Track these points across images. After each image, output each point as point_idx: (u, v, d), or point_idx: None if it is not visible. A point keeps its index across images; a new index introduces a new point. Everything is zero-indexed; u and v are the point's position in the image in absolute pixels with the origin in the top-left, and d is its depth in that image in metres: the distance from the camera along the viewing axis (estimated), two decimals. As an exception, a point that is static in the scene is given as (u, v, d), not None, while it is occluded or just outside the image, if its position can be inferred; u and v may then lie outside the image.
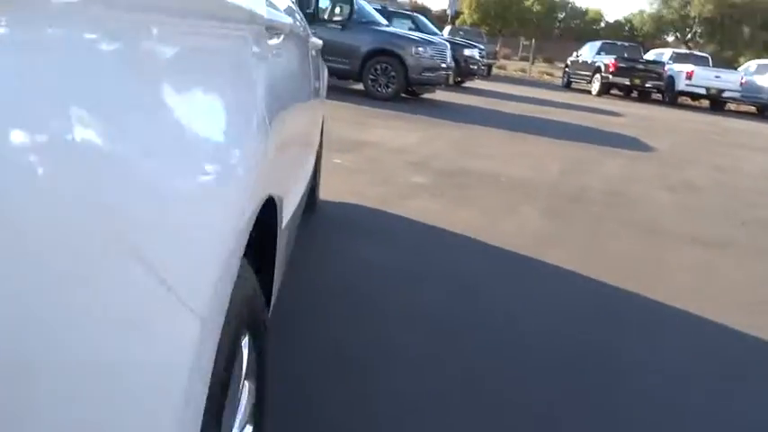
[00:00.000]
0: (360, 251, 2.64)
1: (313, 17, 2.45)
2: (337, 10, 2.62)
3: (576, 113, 10.41)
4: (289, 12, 1.41)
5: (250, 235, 1.03)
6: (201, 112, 0.64)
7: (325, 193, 3.35)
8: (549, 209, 3.79)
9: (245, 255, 0.86)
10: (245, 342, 0.83)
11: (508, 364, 1.87)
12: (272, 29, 1.00)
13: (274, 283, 1.11)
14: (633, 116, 11.24)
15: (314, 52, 2.08)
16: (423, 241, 2.90)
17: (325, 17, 2.57)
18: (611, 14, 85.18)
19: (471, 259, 2.73)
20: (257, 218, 1.00)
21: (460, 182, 4.20)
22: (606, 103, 13.64)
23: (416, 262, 2.61)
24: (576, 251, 3.05)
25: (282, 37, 1.16)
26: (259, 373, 0.94)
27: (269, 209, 0.96)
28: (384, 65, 8.34)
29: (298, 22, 1.70)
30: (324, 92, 2.83)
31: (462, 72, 12.42)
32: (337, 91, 8.61)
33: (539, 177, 4.68)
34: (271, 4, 1.01)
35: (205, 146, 0.63)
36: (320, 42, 2.21)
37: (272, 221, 1.00)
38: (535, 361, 1.89)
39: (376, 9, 10.56)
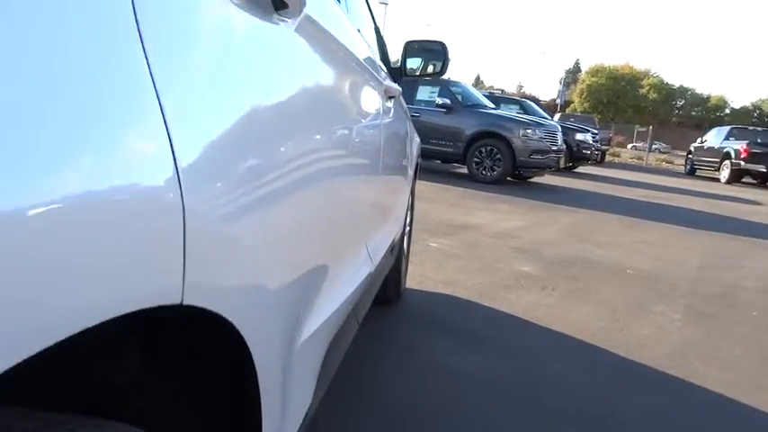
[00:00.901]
0: (448, 357, 2.09)
1: (400, 72, 2.08)
2: (430, 68, 2.23)
3: (705, 201, 9.33)
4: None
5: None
6: None
7: (414, 281, 2.86)
8: (693, 310, 3.04)
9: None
10: None
11: None
12: None
13: None
14: (776, 205, 9.91)
15: (390, 102, 1.65)
16: (529, 347, 2.30)
17: (417, 74, 2.19)
18: (737, 100, 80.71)
19: (592, 375, 2.08)
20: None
21: (576, 273, 3.55)
22: (739, 191, 12.28)
23: (520, 377, 2.00)
24: (738, 370, 2.29)
25: (300, 20, 0.72)
26: None
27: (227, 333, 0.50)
28: (489, 147, 7.95)
29: (363, 37, 1.27)
30: (413, 160, 2.40)
31: (574, 157, 11.78)
32: (439, 174, 8.30)
33: (674, 271, 3.90)
34: None
35: None
36: (399, 89, 1.80)
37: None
38: None
39: (483, 94, 10.37)
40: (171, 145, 0.41)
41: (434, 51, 2.21)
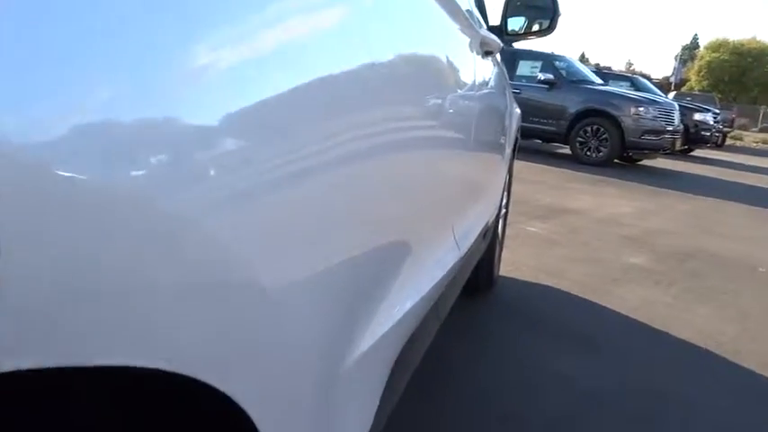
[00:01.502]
0: (549, 358, 1.83)
1: (500, 32, 1.81)
2: (535, 27, 1.94)
3: None
4: None
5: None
6: None
7: (510, 269, 2.60)
8: None
9: None
10: None
11: None
12: None
13: None
14: None
15: (488, 59, 1.38)
16: (641, 352, 1.98)
17: (521, 32, 1.91)
18: None
19: (718, 393, 1.74)
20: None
21: (696, 268, 3.12)
22: None
23: (631, 387, 1.71)
24: None
25: None
26: None
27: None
28: (596, 126, 7.37)
29: None
30: (511, 135, 2.13)
31: (690, 139, 10.78)
32: (539, 154, 7.83)
33: (817, 270, 3.35)
34: None
35: None
36: (500, 44, 1.52)
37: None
38: None
39: (590, 70, 9.67)
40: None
41: (541, 8, 1.91)
